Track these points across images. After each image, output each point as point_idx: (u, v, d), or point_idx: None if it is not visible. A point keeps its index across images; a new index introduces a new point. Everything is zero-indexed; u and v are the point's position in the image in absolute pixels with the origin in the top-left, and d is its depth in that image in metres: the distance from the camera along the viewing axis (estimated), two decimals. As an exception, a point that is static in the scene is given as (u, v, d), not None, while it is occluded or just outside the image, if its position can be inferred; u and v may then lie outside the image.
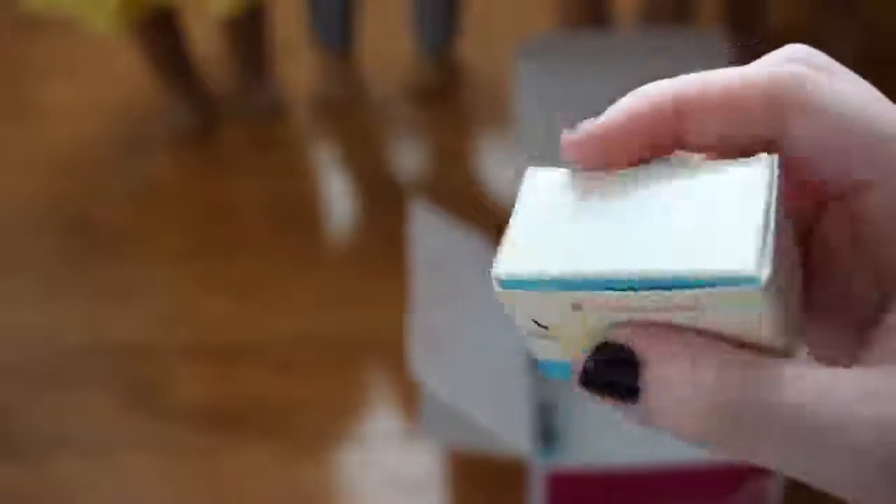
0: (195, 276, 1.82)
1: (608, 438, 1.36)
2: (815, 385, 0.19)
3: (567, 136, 0.22)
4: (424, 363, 1.16)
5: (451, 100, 2.15)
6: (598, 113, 1.43)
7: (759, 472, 1.18)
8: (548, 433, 1.36)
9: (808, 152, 0.20)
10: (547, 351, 0.22)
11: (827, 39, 2.17)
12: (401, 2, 2.41)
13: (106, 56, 2.32)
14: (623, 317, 0.20)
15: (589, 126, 0.22)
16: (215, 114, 2.12)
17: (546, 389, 1.42)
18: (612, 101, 1.44)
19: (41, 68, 2.32)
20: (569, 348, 0.22)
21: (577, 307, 0.20)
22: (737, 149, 0.21)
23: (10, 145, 2.12)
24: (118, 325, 1.74)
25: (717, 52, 1.46)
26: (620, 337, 0.20)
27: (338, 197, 1.96)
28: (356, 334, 1.70)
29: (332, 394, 1.62)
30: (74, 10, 1.72)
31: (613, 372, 0.20)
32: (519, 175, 1.46)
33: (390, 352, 1.67)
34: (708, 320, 0.20)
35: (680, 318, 0.20)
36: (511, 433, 1.14)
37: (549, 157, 1.42)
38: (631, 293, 0.19)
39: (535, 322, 0.21)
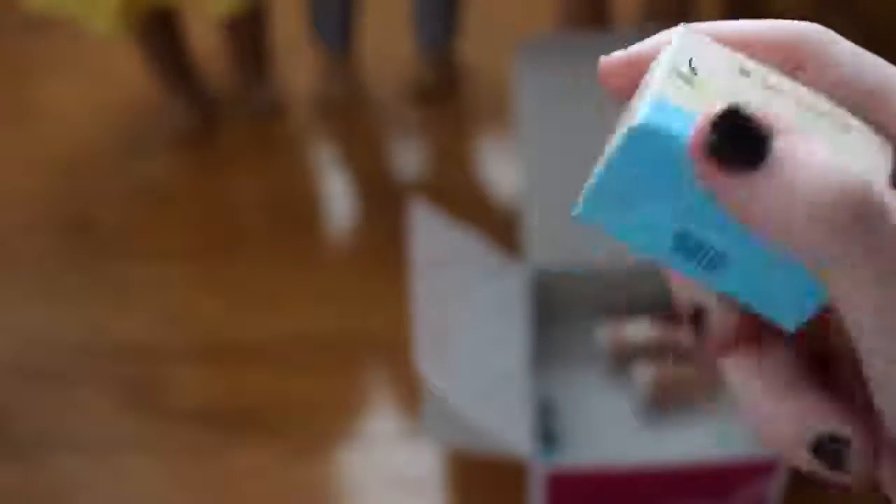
0: (195, 276, 1.82)
1: (608, 438, 1.36)
2: None
3: (604, 61, 0.22)
4: (428, 363, 1.16)
5: (451, 100, 2.15)
6: (598, 113, 1.43)
7: (759, 473, 1.18)
8: (548, 433, 1.36)
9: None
10: (675, 93, 0.20)
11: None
12: (401, 2, 2.41)
13: (106, 56, 2.32)
14: (775, 94, 0.20)
15: (620, 53, 0.22)
16: (215, 114, 2.12)
17: (546, 390, 1.42)
18: (612, 101, 1.44)
19: (41, 69, 2.32)
20: (702, 102, 0.20)
21: (744, 72, 0.20)
22: None
23: (10, 145, 2.12)
24: (118, 325, 1.74)
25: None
26: (752, 106, 0.19)
27: (338, 197, 1.96)
28: (356, 334, 1.70)
29: (332, 394, 1.62)
30: (74, 10, 1.72)
31: (742, 134, 0.18)
32: (522, 173, 1.46)
33: (390, 352, 1.67)
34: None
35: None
36: (511, 433, 1.14)
37: (549, 157, 1.42)
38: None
39: (690, 64, 0.20)
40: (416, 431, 1.55)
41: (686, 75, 0.20)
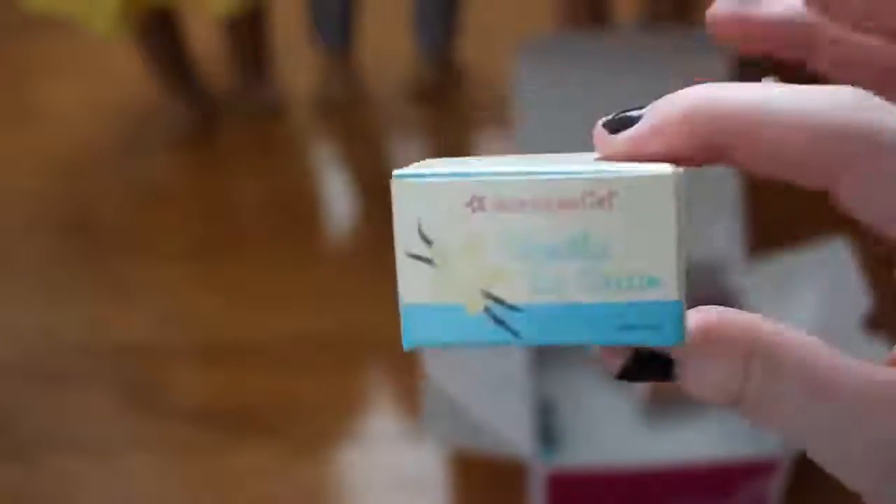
0: (195, 276, 1.82)
1: (608, 438, 1.36)
2: (841, 360, 0.18)
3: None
4: (432, 362, 1.16)
5: (451, 100, 2.15)
6: (597, 114, 1.43)
7: (759, 473, 1.18)
8: (548, 433, 1.36)
9: (857, 201, 0.18)
10: (424, 288, 0.19)
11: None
12: (401, 2, 2.41)
13: (106, 56, 2.32)
14: (531, 226, 0.19)
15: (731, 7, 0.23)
16: (215, 113, 2.12)
17: (546, 390, 1.42)
18: (611, 101, 1.44)
19: (41, 69, 2.32)
20: (457, 286, 0.19)
21: (475, 204, 0.19)
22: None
23: (10, 145, 2.12)
24: (118, 325, 1.74)
25: (717, 52, 1.46)
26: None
27: (338, 197, 1.96)
28: (356, 334, 1.70)
29: (332, 394, 1.62)
30: (74, 10, 1.72)
31: (651, 361, 0.20)
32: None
33: (391, 352, 1.67)
34: (617, 229, 0.18)
35: (592, 220, 0.18)
36: (511, 433, 1.14)
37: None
38: (539, 178, 0.18)
39: (420, 233, 0.19)
40: (417, 431, 1.55)
41: (421, 252, 0.19)
